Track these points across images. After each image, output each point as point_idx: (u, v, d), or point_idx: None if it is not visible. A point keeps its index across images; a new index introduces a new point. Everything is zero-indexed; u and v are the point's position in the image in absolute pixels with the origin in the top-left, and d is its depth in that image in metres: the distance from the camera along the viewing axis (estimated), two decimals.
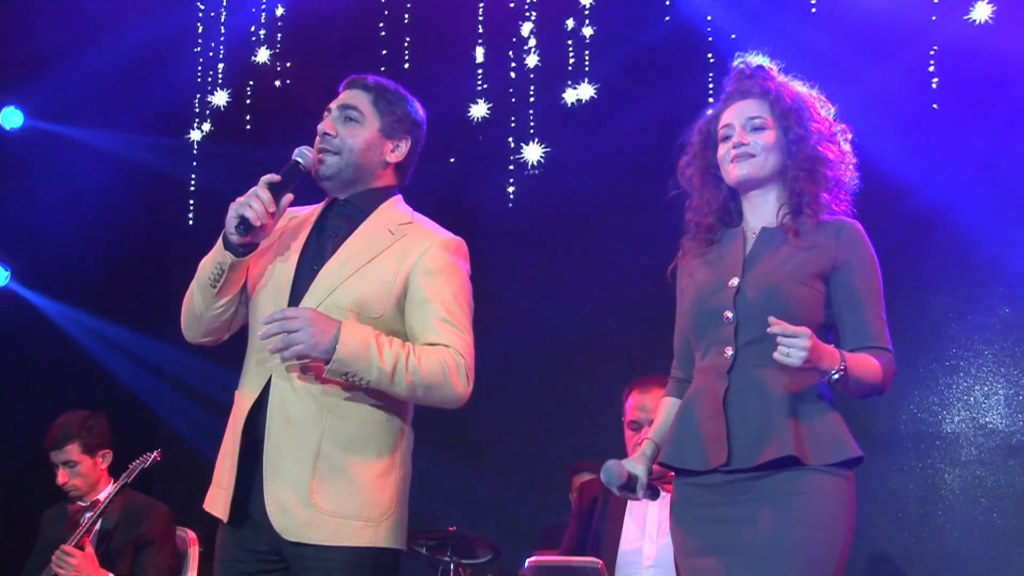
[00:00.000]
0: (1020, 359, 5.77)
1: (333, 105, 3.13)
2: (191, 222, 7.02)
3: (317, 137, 3.08)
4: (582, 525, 4.18)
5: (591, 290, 6.56)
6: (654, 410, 4.06)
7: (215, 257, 2.99)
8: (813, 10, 5.83)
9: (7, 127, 6.77)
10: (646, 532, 4.04)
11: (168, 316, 6.08)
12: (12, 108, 6.78)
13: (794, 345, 2.56)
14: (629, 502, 4.07)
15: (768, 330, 2.58)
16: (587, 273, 6.58)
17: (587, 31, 6.31)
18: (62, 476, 4.71)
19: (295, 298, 2.97)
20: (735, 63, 3.04)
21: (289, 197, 3.00)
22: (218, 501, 2.97)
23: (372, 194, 3.11)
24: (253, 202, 2.91)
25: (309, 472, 2.86)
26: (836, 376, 2.64)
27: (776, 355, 2.58)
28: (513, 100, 6.48)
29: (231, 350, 3.26)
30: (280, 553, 2.90)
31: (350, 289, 2.95)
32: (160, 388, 7.12)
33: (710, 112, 3.05)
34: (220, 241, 2.98)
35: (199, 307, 3.07)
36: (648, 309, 6.29)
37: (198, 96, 7.06)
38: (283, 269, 3.03)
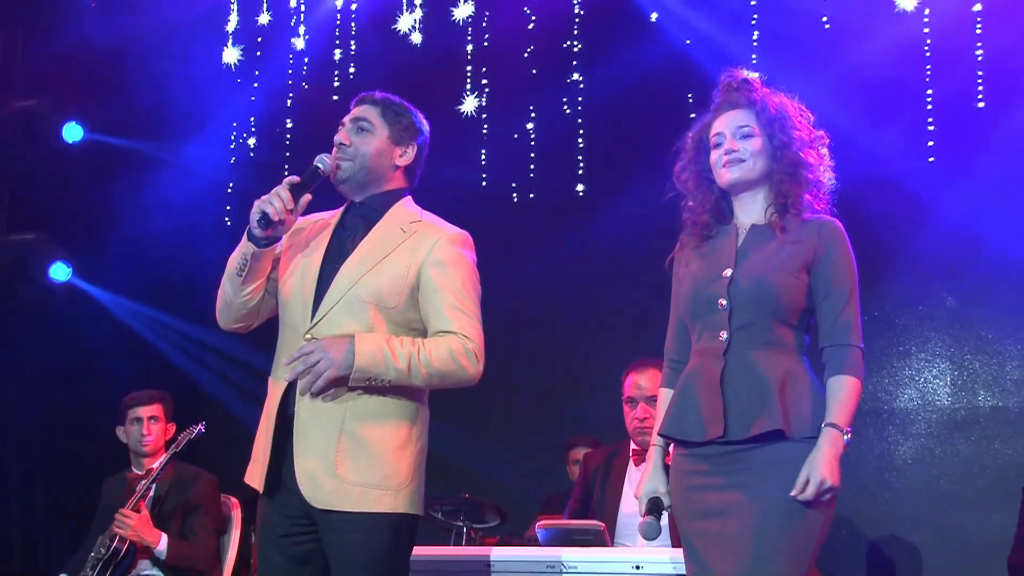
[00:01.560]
0: (963, 344, 5.81)
1: (346, 119, 3.14)
2: (228, 222, 7.03)
3: (334, 147, 3.09)
4: (585, 492, 4.16)
5: (591, 277, 6.54)
6: (648, 388, 4.08)
7: (241, 249, 3.01)
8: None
9: (69, 140, 6.78)
10: None
11: (209, 306, 6.18)
12: (74, 123, 6.77)
13: (823, 492, 2.63)
14: (628, 472, 4.09)
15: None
16: (586, 260, 6.55)
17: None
18: (147, 428, 4.73)
19: (320, 292, 2.96)
20: (722, 77, 3.01)
21: (307, 198, 3.00)
22: (255, 474, 2.98)
23: (385, 196, 3.11)
24: (274, 200, 2.92)
25: (334, 446, 2.86)
26: (848, 439, 2.70)
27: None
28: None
29: (264, 339, 3.26)
30: (310, 517, 2.89)
31: (368, 283, 2.95)
32: (205, 370, 7.08)
33: (701, 121, 3.02)
34: (245, 235, 2.98)
35: (229, 296, 3.08)
36: (641, 296, 6.35)
37: (234, 123, 7.08)
38: (309, 266, 3.03)
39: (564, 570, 3.41)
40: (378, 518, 2.86)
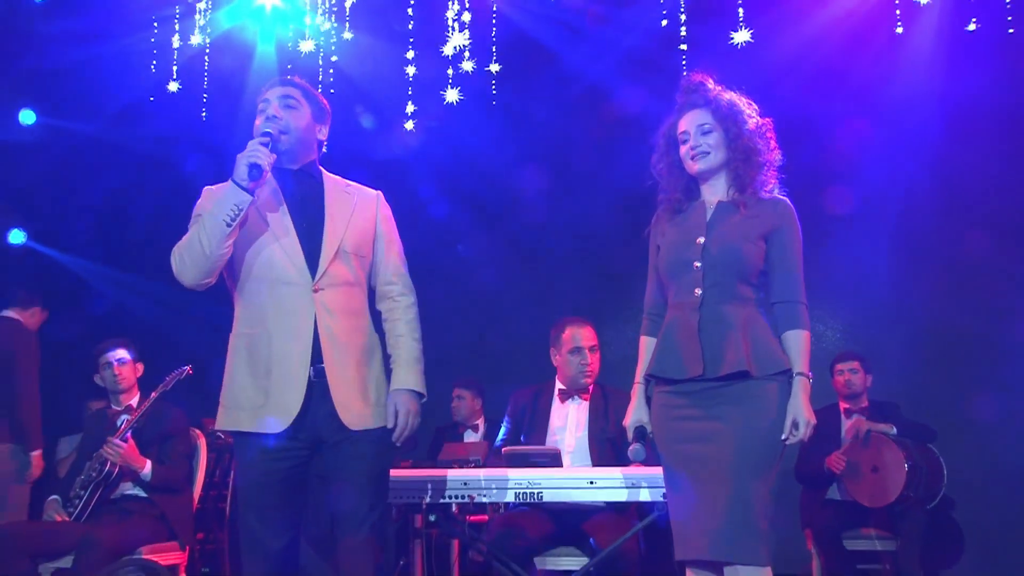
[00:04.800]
0: None
1: (270, 96, 2.74)
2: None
3: (259, 118, 2.71)
4: (516, 425, 3.94)
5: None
6: (590, 339, 3.91)
7: (232, 200, 2.55)
8: None
9: (25, 124, 6.21)
10: (567, 427, 3.86)
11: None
12: (28, 110, 6.24)
13: (804, 433, 2.61)
14: (552, 408, 3.92)
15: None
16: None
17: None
18: (117, 369, 4.25)
19: (306, 246, 2.67)
20: (682, 80, 2.90)
21: (273, 156, 2.64)
22: (242, 421, 2.62)
23: (314, 165, 2.82)
24: (260, 154, 2.58)
25: (366, 378, 2.68)
26: (811, 380, 2.67)
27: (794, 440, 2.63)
28: None
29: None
30: (318, 446, 2.66)
31: (350, 237, 2.72)
32: (161, 318, 6.33)
33: (668, 121, 2.90)
34: (231, 188, 2.56)
35: (210, 248, 2.57)
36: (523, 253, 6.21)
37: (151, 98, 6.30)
38: (280, 224, 2.69)
39: (530, 486, 3.26)
40: (386, 431, 2.72)
